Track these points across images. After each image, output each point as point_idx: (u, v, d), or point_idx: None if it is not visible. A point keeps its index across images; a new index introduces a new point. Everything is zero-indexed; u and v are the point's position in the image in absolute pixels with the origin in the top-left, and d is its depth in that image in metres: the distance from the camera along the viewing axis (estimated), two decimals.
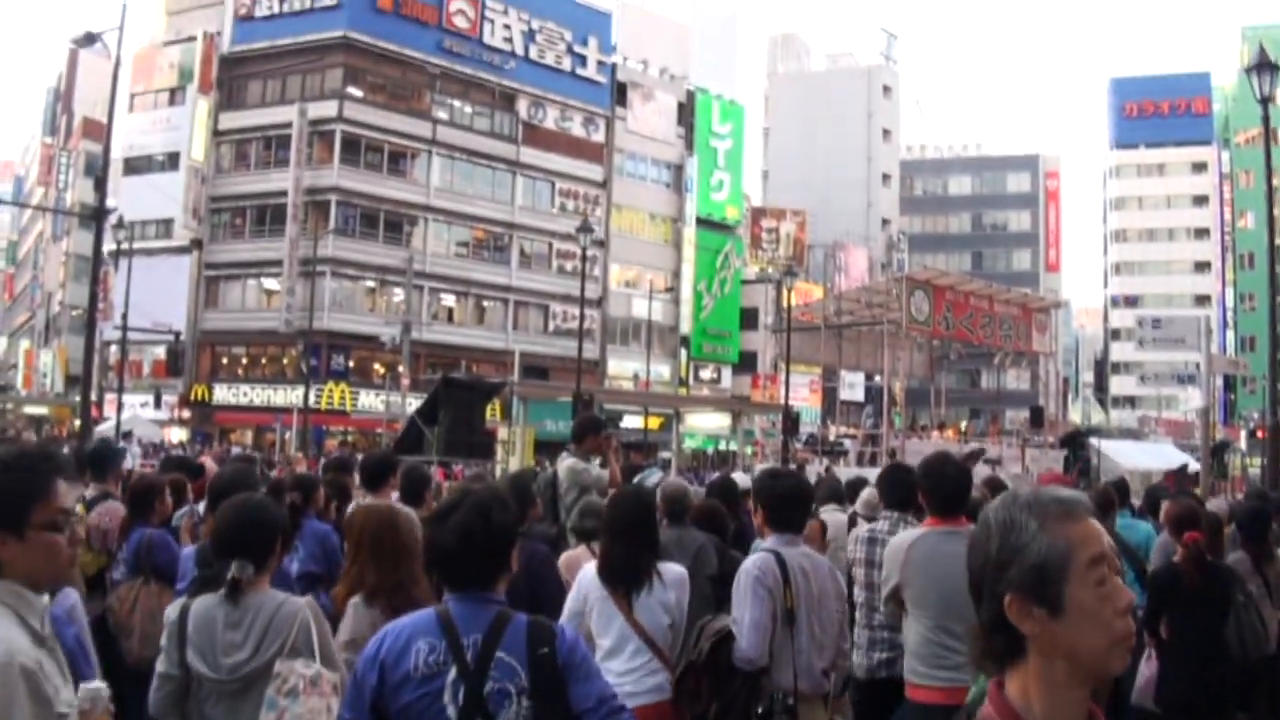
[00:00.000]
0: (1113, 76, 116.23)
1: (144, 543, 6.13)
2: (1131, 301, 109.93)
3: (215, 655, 4.03)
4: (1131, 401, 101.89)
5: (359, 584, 4.48)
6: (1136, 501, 11.33)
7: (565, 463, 8.30)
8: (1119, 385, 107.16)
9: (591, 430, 8.57)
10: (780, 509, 5.30)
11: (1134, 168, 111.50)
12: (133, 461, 27.36)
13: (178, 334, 46.25)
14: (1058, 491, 2.11)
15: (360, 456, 11.24)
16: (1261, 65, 14.56)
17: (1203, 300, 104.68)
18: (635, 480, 8.39)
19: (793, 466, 30.57)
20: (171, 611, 4.17)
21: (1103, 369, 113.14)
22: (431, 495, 7.99)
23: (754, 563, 5.20)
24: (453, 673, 3.18)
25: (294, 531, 6.98)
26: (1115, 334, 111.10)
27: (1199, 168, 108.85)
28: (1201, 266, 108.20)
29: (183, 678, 4.07)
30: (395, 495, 7.40)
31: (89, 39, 27.13)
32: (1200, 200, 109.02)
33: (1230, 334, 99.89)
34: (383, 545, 4.72)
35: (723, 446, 63.36)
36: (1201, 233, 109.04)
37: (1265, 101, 14.66)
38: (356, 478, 8.22)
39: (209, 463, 10.40)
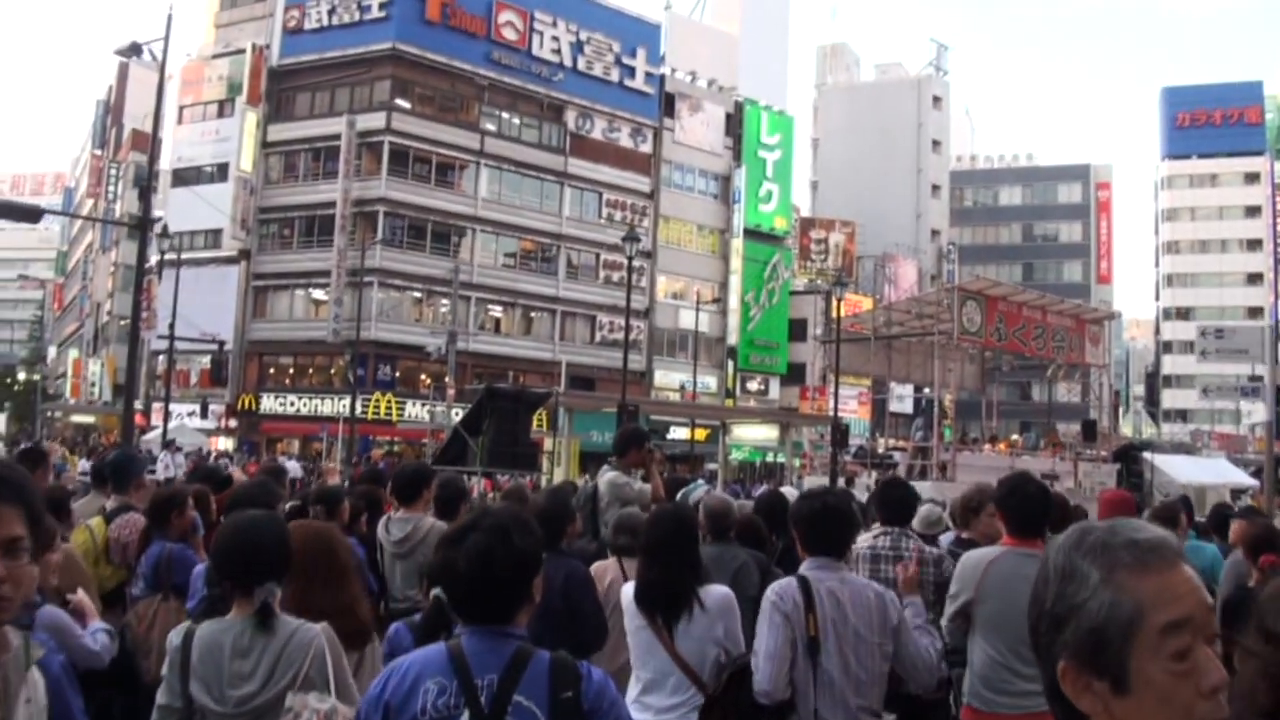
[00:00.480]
0: (1164, 86, 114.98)
1: (163, 557, 5.86)
2: (1184, 314, 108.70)
3: (221, 686, 3.69)
4: (1184, 415, 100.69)
5: (301, 609, 4.03)
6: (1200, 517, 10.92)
7: (606, 476, 8.01)
8: (1171, 399, 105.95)
9: (634, 443, 8.26)
10: (813, 530, 4.84)
11: (1186, 178, 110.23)
12: (176, 471, 27.34)
13: (222, 343, 46.29)
14: (1137, 531, 1.66)
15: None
16: None
17: (1256, 313, 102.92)
18: (680, 494, 8.02)
19: (841, 480, 30.18)
20: (175, 637, 3.81)
21: (1154, 382, 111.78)
22: (468, 508, 7.73)
23: (774, 588, 4.82)
24: (465, 717, 2.84)
25: None
26: (1167, 346, 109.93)
27: (1252, 178, 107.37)
28: (1254, 278, 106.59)
29: (185, 710, 3.71)
30: (430, 508, 7.15)
31: (134, 49, 27.16)
32: (1253, 211, 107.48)
33: None
34: (319, 567, 4.25)
35: (770, 459, 62.95)
36: (1254, 244, 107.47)
37: None
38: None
39: (237, 474, 10.13)
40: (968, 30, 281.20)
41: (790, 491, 9.45)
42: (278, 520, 4.14)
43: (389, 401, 55.66)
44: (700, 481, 8.07)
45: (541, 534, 3.22)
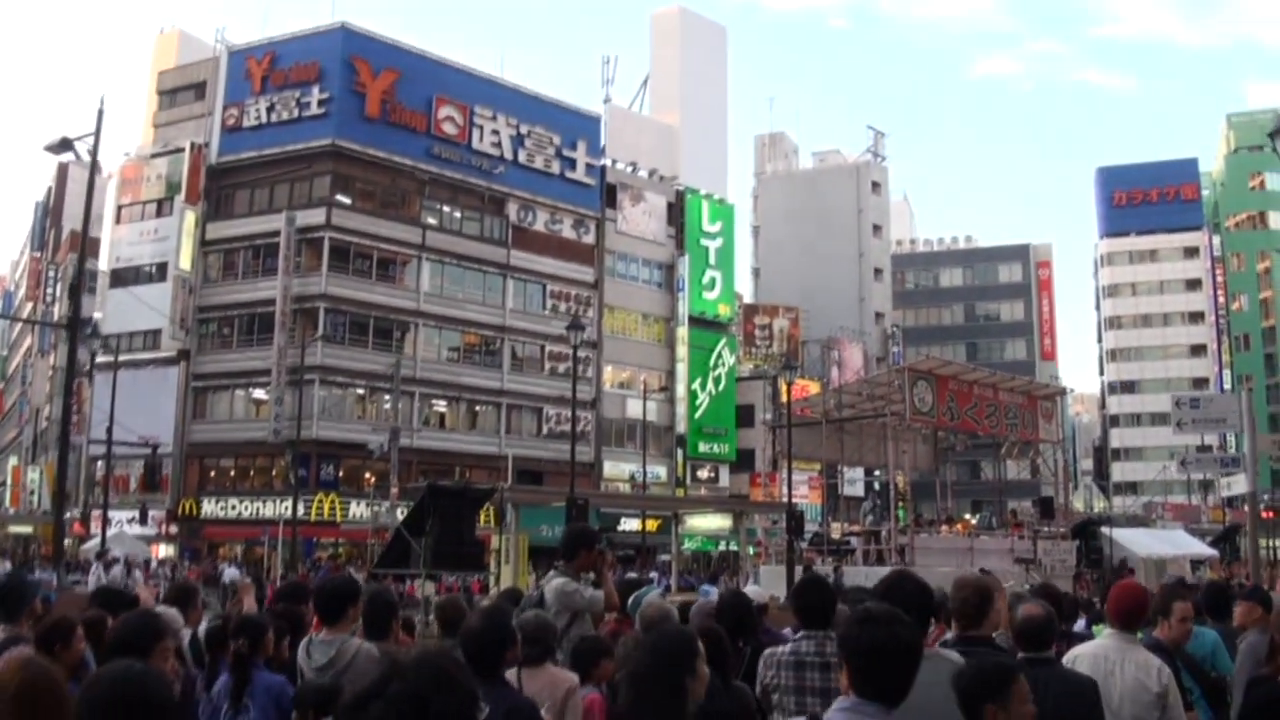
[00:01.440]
0: (1100, 166, 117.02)
1: None
2: (1129, 387, 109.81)
3: None
4: (1134, 488, 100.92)
5: None
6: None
7: (554, 583, 7.29)
8: (1120, 472, 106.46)
9: (583, 544, 7.55)
10: (873, 669, 3.68)
11: (1125, 254, 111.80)
12: (106, 579, 26.23)
13: (155, 447, 45.17)
14: None
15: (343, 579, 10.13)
16: None
17: (1200, 384, 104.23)
18: (632, 599, 7.28)
19: (800, 568, 29.49)
20: None
21: (1103, 456, 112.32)
22: (399, 624, 7.01)
23: None
24: None
25: (242, 687, 6.00)
26: (1114, 420, 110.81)
27: (1190, 252, 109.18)
28: (1197, 350, 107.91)
29: None
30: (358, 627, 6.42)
31: (65, 145, 26.47)
32: (1193, 284, 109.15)
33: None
34: (36, 712, 3.04)
35: (723, 548, 62.20)
36: (1196, 316, 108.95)
37: None
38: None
39: (144, 594, 9.26)
40: (903, 116, 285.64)
41: (755, 591, 8.74)
42: (159, 676, 3.34)
43: (332, 502, 54.54)
44: (654, 585, 7.30)
45: (471, 687, 2.55)
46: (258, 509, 55.01)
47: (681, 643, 4.33)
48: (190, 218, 58.59)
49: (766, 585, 29.75)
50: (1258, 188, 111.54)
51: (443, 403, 61.16)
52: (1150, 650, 6.10)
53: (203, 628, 7.05)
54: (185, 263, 58.20)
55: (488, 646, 5.12)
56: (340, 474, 56.45)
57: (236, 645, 5.97)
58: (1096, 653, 5.89)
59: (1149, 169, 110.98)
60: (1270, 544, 56.29)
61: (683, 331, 71.72)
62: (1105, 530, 33.85)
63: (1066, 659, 5.80)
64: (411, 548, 19.04)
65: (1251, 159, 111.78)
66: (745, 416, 74.90)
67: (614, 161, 70.43)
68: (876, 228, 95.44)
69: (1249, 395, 18.32)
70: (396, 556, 19.66)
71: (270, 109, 59.25)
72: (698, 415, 71.83)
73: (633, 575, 18.75)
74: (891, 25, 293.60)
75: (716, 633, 6.24)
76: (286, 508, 47.30)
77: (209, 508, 56.77)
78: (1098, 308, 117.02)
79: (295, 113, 58.61)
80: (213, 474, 58.82)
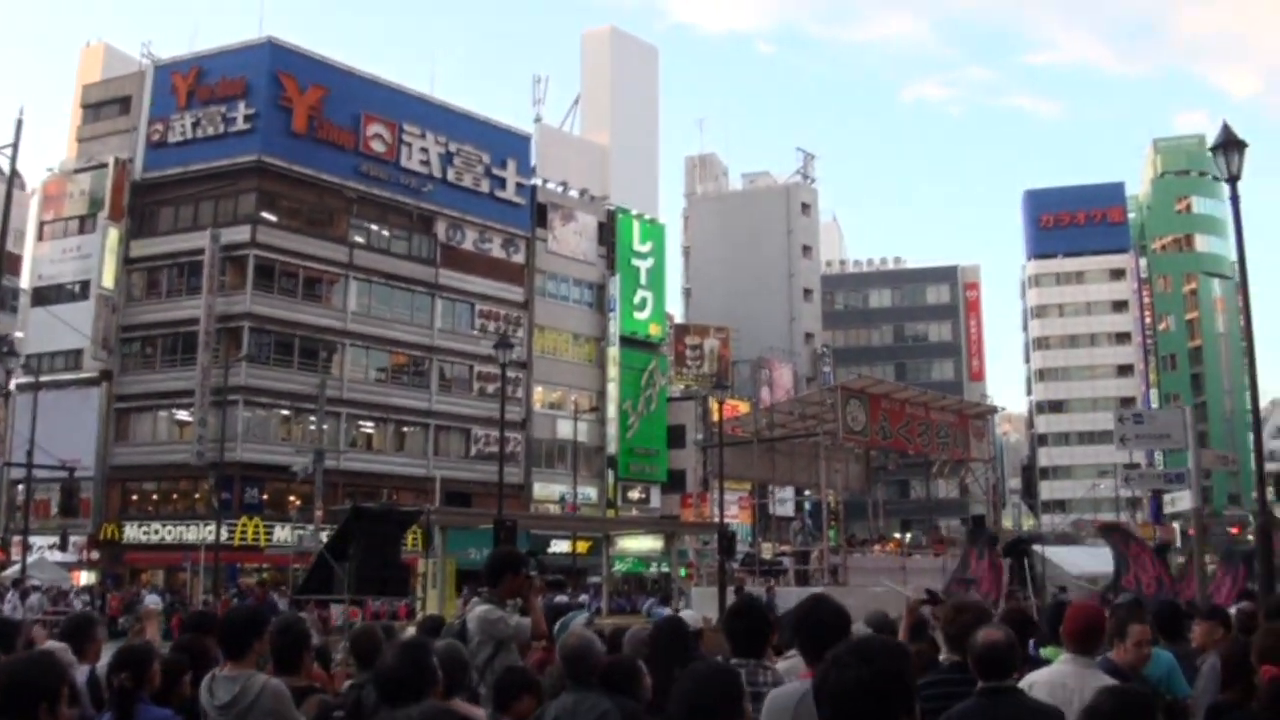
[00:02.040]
0: (1027, 189, 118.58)
1: None
2: (1056, 407, 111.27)
3: None
4: (1062, 506, 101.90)
5: None
6: None
7: (477, 610, 6.83)
8: (1049, 490, 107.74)
9: (509, 568, 7.10)
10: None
11: (1053, 276, 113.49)
12: (26, 614, 25.42)
13: (72, 470, 43.94)
14: None
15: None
16: (1229, 143, 13.70)
17: (1128, 403, 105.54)
18: (559, 624, 6.83)
19: (731, 589, 29.17)
20: None
21: (1031, 475, 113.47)
22: (312, 657, 6.54)
23: None
24: None
25: None
26: (1042, 439, 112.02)
27: (1117, 274, 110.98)
28: (1124, 370, 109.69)
29: None
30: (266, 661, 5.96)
31: None
32: (1120, 305, 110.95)
33: None
34: None
35: (654, 569, 61.81)
36: (1123, 337, 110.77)
37: (1234, 181, 13.77)
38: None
39: (38, 634, 8.56)
40: (833, 139, 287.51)
41: (690, 615, 8.33)
42: None
43: (256, 526, 53.43)
44: (584, 610, 6.86)
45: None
46: (181, 534, 53.84)
47: (724, 686, 3.82)
48: (114, 235, 57.34)
49: (697, 607, 29.39)
50: (1184, 211, 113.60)
51: (370, 424, 60.32)
52: (1108, 675, 5.79)
53: (103, 663, 6.53)
54: (108, 281, 56.94)
55: (406, 686, 4.71)
56: (265, 497, 55.37)
57: (119, 680, 5.48)
58: (1054, 680, 5.54)
59: (1076, 192, 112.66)
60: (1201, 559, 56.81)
61: (614, 352, 71.42)
62: (1037, 548, 33.76)
63: (1021, 686, 5.45)
64: (335, 572, 18.59)
65: (1178, 183, 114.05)
66: (676, 437, 74.76)
67: (544, 181, 70.09)
68: (806, 249, 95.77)
69: (1192, 411, 18.24)
70: (319, 582, 19.24)
71: (196, 124, 58.24)
72: (629, 436, 71.50)
73: (562, 599, 18.30)
74: (821, 49, 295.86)
75: (624, 666, 5.83)
76: (210, 532, 46.31)
77: (131, 532, 55.50)
78: (1025, 328, 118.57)
79: (221, 128, 57.65)
80: (135, 498, 57.55)
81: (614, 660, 5.82)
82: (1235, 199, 13.98)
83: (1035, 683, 5.44)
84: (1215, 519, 50.53)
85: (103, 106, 62.30)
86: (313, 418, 54.57)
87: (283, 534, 52.17)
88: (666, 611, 26.37)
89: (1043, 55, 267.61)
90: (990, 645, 5.00)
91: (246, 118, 57.27)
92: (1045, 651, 7.69)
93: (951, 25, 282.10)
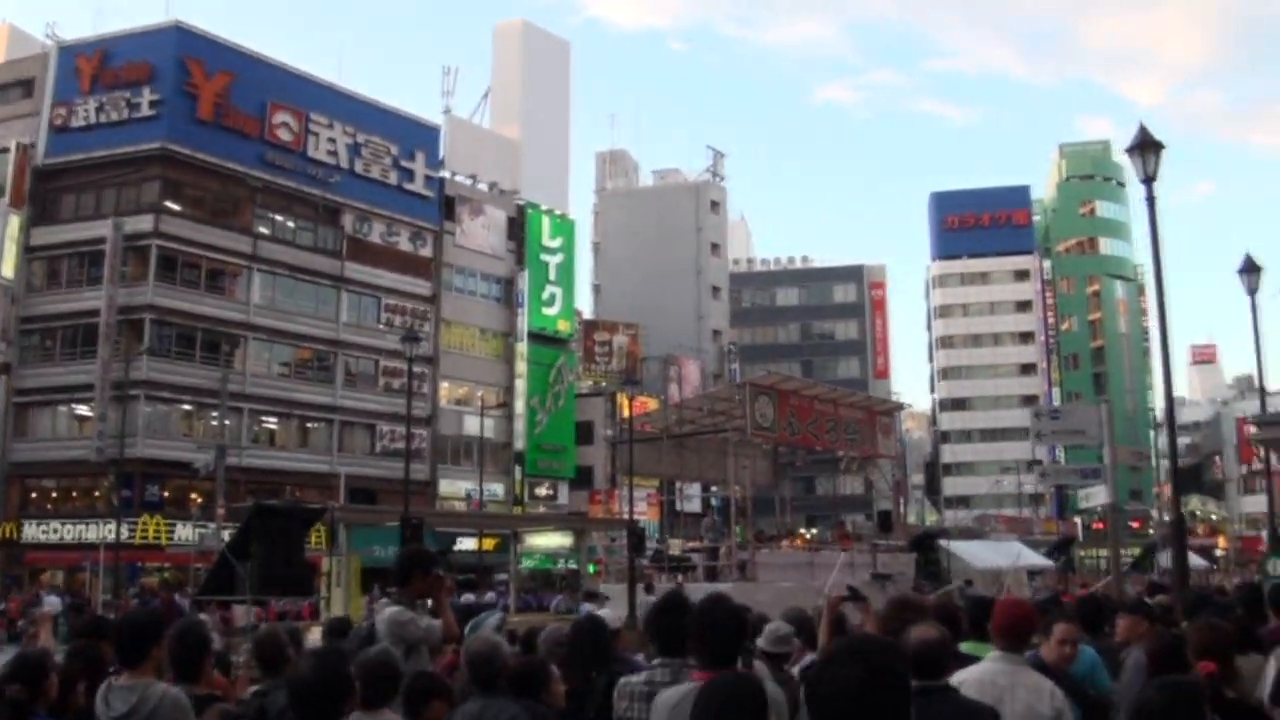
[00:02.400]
0: (933, 190, 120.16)
1: None
2: (960, 405, 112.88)
3: None
4: (965, 501, 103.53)
5: None
6: None
7: (385, 613, 6.58)
8: (952, 486, 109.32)
9: (418, 568, 6.83)
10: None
11: (957, 276, 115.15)
12: None
13: None
14: None
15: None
16: (1145, 144, 13.75)
17: (1030, 401, 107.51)
18: (470, 626, 6.57)
19: (641, 586, 29.04)
20: None
21: (934, 471, 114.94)
22: (212, 663, 6.25)
23: None
24: None
25: None
26: (945, 436, 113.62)
27: (1021, 275, 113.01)
28: (1028, 369, 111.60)
29: None
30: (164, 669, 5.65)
31: None
32: (1023, 306, 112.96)
33: None
34: None
35: (562, 566, 61.59)
36: (1026, 336, 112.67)
37: (1149, 181, 13.82)
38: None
39: None
40: (743, 139, 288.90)
41: (608, 615, 8.12)
42: None
43: (158, 524, 52.19)
44: (497, 612, 6.62)
45: None
46: (81, 532, 52.29)
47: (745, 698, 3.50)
48: (15, 222, 55.53)
49: (584, 604, 29.24)
50: (1088, 214, 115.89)
51: (273, 419, 59.28)
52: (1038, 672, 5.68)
53: None
54: (8, 270, 55.20)
55: (322, 698, 4.47)
56: (166, 495, 54.09)
57: (11, 692, 5.17)
58: (983, 677, 5.39)
59: (982, 194, 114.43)
60: (1097, 554, 57.95)
61: (522, 347, 71.00)
62: (943, 543, 34.12)
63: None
64: (237, 572, 18.16)
65: (1083, 187, 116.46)
66: (584, 433, 74.53)
67: (453, 174, 69.44)
68: (715, 246, 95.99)
69: (1108, 407, 18.41)
70: (221, 582, 18.74)
71: (100, 109, 56.66)
72: (536, 432, 71.16)
73: (469, 598, 17.95)
74: (733, 49, 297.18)
75: (530, 669, 5.63)
76: (111, 531, 45.29)
77: (30, 531, 53.95)
78: (930, 328, 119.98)
79: (125, 114, 56.13)
80: (34, 495, 56.04)
81: (522, 663, 5.61)
82: (1151, 200, 14.03)
83: (964, 681, 5.29)
84: (1119, 514, 51.29)
85: (5, 89, 60.34)
86: (215, 413, 53.62)
87: (184, 532, 51.02)
88: (591, 609, 26.19)
89: (950, 61, 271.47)
90: (924, 643, 4.87)
91: (152, 103, 55.88)
92: (965, 646, 7.59)
93: (860, 29, 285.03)
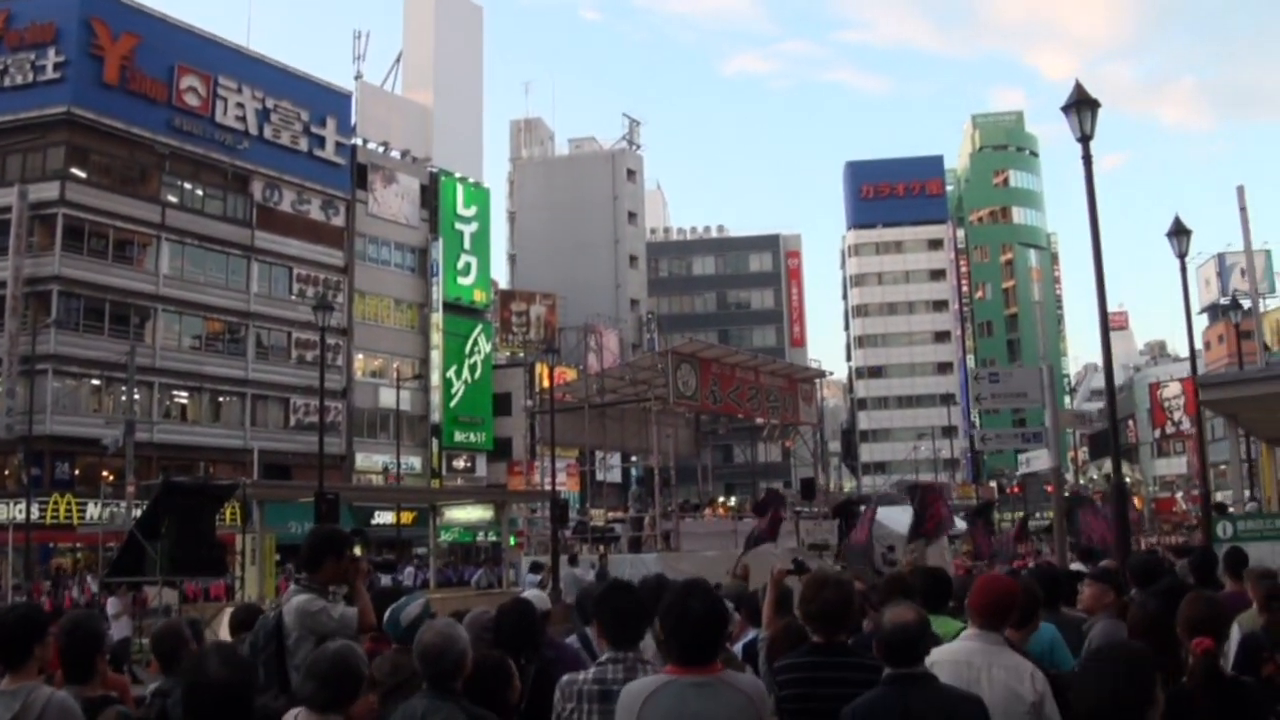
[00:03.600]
0: (848, 160, 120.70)
1: None
2: (875, 372, 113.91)
3: None
4: (882, 468, 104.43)
5: None
6: None
7: (294, 601, 6.00)
8: (869, 452, 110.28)
9: (329, 551, 6.26)
10: None
11: (872, 246, 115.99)
12: None
13: None
14: None
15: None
16: (1081, 102, 13.47)
17: (945, 367, 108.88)
18: (389, 614, 6.01)
19: (565, 558, 28.62)
20: None
21: (851, 438, 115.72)
22: (106, 660, 5.69)
23: None
24: None
25: None
26: (861, 403, 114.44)
27: (935, 244, 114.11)
28: (942, 336, 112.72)
29: None
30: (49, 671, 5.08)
31: None
32: (937, 274, 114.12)
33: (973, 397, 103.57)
34: None
35: (481, 538, 61.06)
36: (940, 305, 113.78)
37: (1086, 140, 13.55)
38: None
39: None
40: (658, 108, 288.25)
41: (537, 595, 7.59)
42: None
43: (68, 503, 50.69)
44: (420, 597, 6.08)
45: None
46: None
47: None
48: None
49: (527, 574, 28.78)
50: (1001, 184, 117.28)
51: (184, 394, 57.86)
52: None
53: None
54: None
55: (230, 706, 3.96)
56: (76, 473, 52.53)
57: None
58: (958, 658, 4.98)
59: (896, 164, 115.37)
60: (1013, 517, 58.42)
61: (437, 318, 70.18)
62: (864, 509, 33.93)
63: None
64: (146, 552, 17.58)
65: (996, 157, 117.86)
66: (502, 405, 73.92)
67: (365, 141, 68.29)
68: (631, 215, 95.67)
69: (1050, 370, 18.20)
70: (130, 563, 18.14)
71: (4, 72, 54.64)
72: (453, 404, 70.43)
73: (386, 582, 17.29)
74: (645, 18, 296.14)
75: (492, 666, 5.13)
76: (20, 511, 44.02)
77: None
78: (845, 296, 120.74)
79: (30, 77, 54.11)
80: None
81: (483, 660, 5.09)
82: (1087, 158, 13.76)
83: (936, 661, 4.88)
84: (1034, 478, 51.84)
85: None
86: (125, 388, 52.25)
87: (95, 511, 49.72)
88: (536, 581, 25.70)
89: (862, 33, 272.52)
90: (900, 627, 4.47)
91: (56, 66, 54.00)
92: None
93: (771, 1, 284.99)
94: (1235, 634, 6.12)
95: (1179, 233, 19.90)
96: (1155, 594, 6.35)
